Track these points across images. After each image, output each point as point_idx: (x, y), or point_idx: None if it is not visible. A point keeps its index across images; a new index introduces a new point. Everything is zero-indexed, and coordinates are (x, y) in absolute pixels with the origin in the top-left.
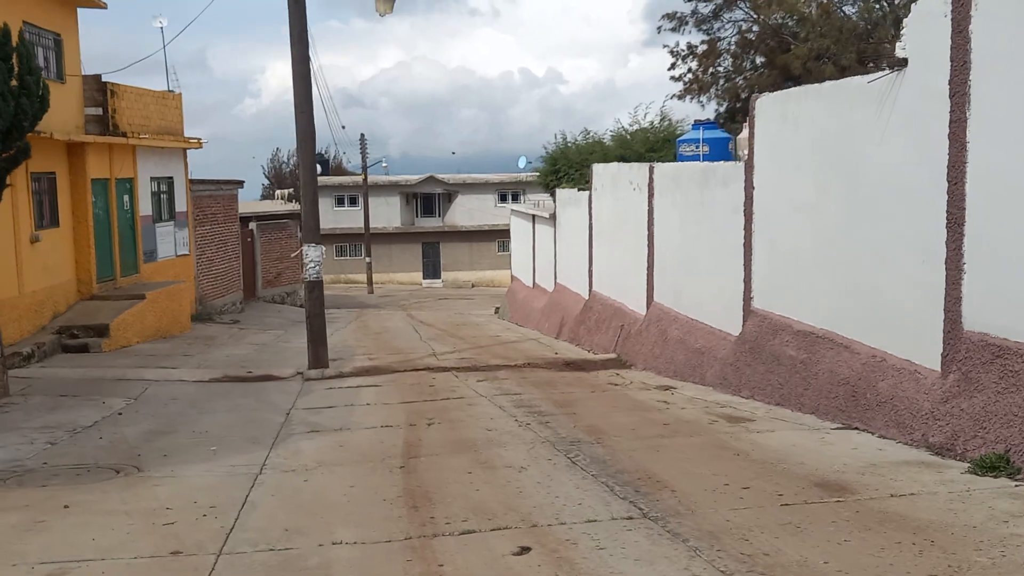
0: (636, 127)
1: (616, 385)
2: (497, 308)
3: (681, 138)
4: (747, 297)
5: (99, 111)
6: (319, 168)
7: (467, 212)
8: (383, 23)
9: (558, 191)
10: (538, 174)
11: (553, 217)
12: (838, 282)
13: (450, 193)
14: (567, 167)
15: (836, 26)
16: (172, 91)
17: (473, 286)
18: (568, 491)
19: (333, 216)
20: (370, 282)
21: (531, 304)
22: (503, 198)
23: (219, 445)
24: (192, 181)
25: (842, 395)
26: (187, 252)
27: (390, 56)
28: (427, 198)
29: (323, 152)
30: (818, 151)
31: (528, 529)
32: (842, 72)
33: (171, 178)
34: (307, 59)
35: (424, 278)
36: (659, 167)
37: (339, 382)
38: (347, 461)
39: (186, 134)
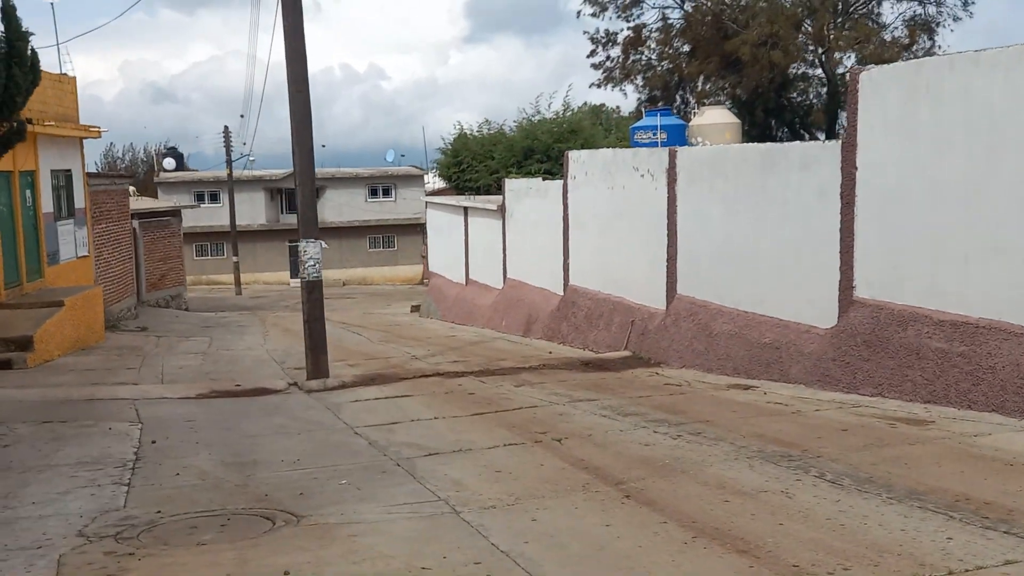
0: (539, 117)
1: (677, 385)
2: (415, 306)
3: (636, 125)
4: (846, 287)
5: None
6: (173, 162)
7: (336, 208)
8: (194, 16)
9: (508, 181)
10: (436, 166)
11: (501, 209)
12: (1012, 268)
13: (318, 188)
14: (470, 159)
15: (776, 12)
16: (66, 74)
17: (344, 284)
18: (895, 520)
19: (194, 214)
20: (238, 282)
21: (472, 301)
22: (374, 193)
23: (333, 476)
24: (88, 175)
25: None
26: (87, 253)
27: (202, 51)
28: (292, 193)
29: (175, 146)
30: (977, 128)
31: None
32: (788, 58)
33: (69, 171)
34: (302, 32)
35: (292, 277)
36: (686, 151)
37: (353, 393)
38: (538, 492)
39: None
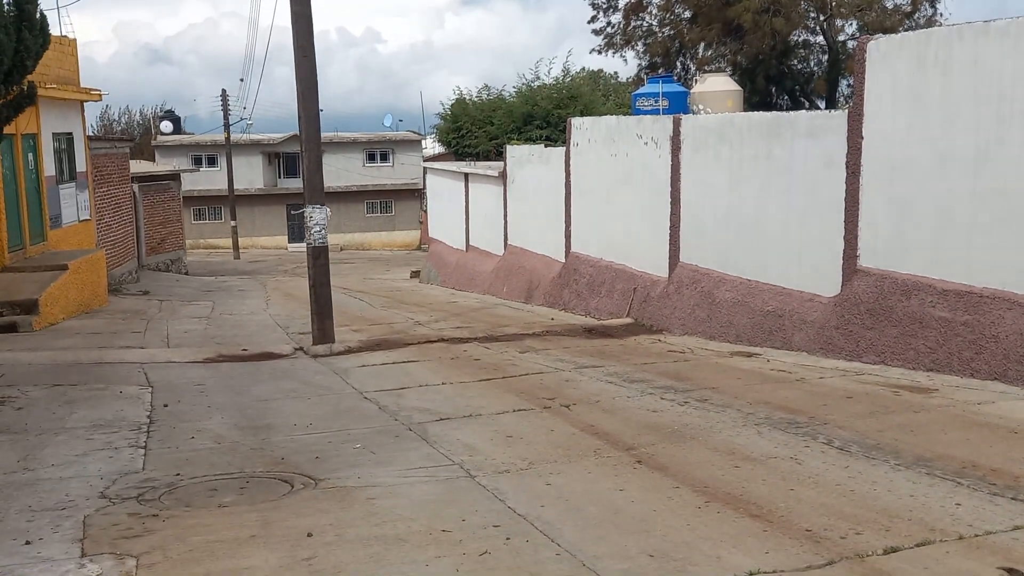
0: (539, 83)
1: (680, 352)
2: (415, 272)
3: (638, 92)
4: (850, 255)
5: None
6: (170, 126)
7: (334, 172)
8: None
9: (510, 147)
10: (435, 131)
11: (503, 176)
12: (1017, 238)
13: None
14: (469, 124)
15: None
16: (66, 36)
17: (342, 249)
18: (904, 486)
19: (191, 177)
20: (236, 247)
21: (473, 267)
22: (371, 158)
23: (347, 441)
24: (88, 138)
25: None
26: (88, 217)
27: (197, 12)
28: (291, 158)
29: (172, 109)
30: (986, 97)
31: (957, 541)
32: (790, 25)
33: (71, 134)
34: None
35: (290, 242)
36: (690, 119)
37: (359, 358)
38: (550, 457)
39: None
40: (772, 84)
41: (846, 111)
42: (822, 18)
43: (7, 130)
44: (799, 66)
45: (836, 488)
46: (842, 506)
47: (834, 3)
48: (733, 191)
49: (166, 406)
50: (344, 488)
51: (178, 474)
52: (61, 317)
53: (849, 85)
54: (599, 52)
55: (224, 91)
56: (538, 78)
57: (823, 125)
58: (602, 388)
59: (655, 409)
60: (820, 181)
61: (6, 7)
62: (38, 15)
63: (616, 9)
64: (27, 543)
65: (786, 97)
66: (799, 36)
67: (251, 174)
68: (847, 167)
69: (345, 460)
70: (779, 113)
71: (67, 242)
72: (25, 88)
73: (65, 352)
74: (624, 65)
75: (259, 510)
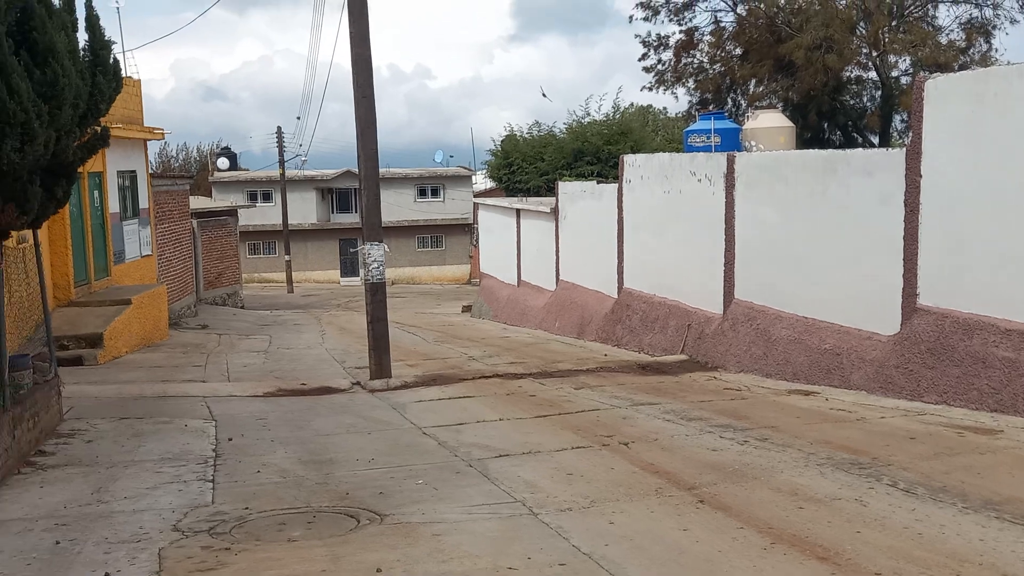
0: (589, 119)
1: (737, 390)
2: (466, 306)
3: (690, 128)
4: (909, 294)
5: None
6: (227, 162)
7: (385, 208)
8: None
9: (562, 183)
10: (486, 167)
11: (554, 211)
12: None
13: None
14: (520, 160)
15: (831, 15)
16: (131, 76)
17: (393, 283)
18: (972, 530)
19: (246, 213)
20: (289, 281)
21: (524, 303)
22: (422, 193)
23: (409, 476)
24: (151, 175)
25: None
26: (150, 252)
27: (252, 50)
28: (343, 193)
29: (228, 146)
30: None
31: None
32: (843, 61)
33: (134, 172)
34: (367, 39)
35: (342, 276)
36: (744, 156)
37: (415, 393)
38: (611, 495)
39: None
40: (824, 120)
41: (904, 149)
42: (875, 54)
43: None
44: (852, 102)
45: (903, 531)
46: (911, 549)
47: (887, 39)
48: (788, 228)
49: (230, 440)
50: (409, 524)
51: (247, 508)
52: (124, 351)
53: (903, 120)
54: (650, 89)
55: (279, 128)
56: (588, 114)
57: (880, 162)
58: (660, 426)
59: (715, 448)
60: (877, 219)
61: (82, 53)
62: (111, 60)
63: (667, 47)
64: (106, 575)
65: (838, 132)
66: (852, 72)
67: (304, 209)
68: (905, 205)
69: (408, 496)
70: (834, 151)
71: (130, 277)
72: (99, 130)
73: (130, 385)
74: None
75: (327, 545)
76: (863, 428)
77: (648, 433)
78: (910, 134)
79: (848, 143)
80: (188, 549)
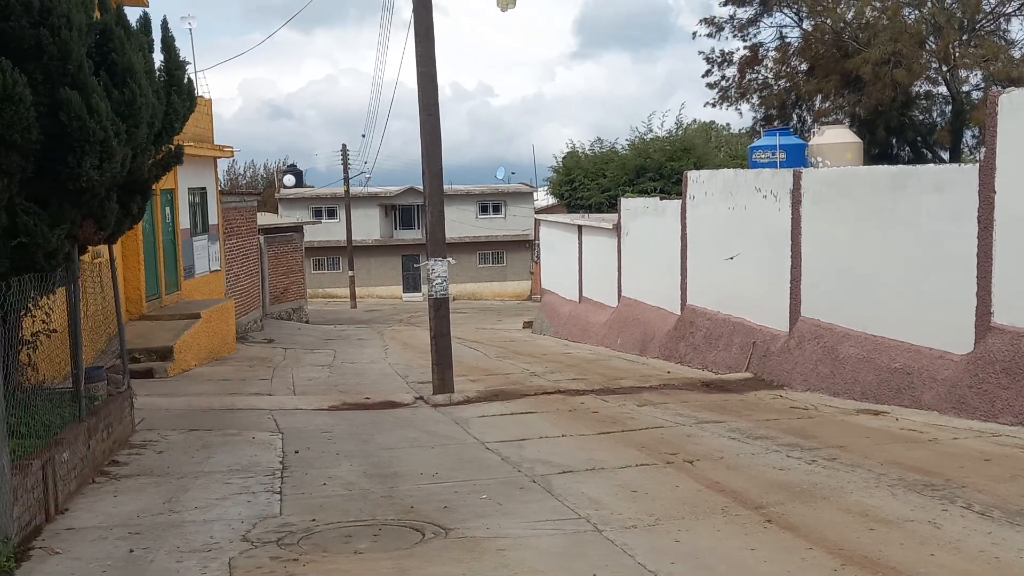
0: (651, 135)
1: (804, 409)
2: (527, 322)
3: (754, 144)
4: (983, 312)
5: None
6: (293, 180)
7: (448, 224)
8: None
9: (624, 199)
10: (548, 183)
11: (617, 227)
12: None
13: None
14: (582, 177)
15: (899, 29)
16: (202, 96)
17: (455, 299)
18: None
19: (311, 229)
20: (353, 296)
21: (586, 319)
22: (484, 209)
23: (473, 491)
24: (220, 192)
25: None
26: (219, 267)
27: (317, 69)
28: (406, 210)
29: (295, 163)
30: None
31: None
32: (911, 76)
33: (204, 189)
34: (433, 57)
35: (404, 292)
36: (811, 172)
37: (478, 408)
38: (676, 513)
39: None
40: (892, 135)
41: (976, 164)
42: (945, 69)
43: None
44: (921, 117)
45: (979, 555)
46: (986, 573)
47: (957, 53)
48: (856, 244)
49: (296, 452)
50: (473, 538)
51: (314, 519)
52: (193, 364)
53: (974, 136)
54: (713, 105)
55: (344, 146)
56: (651, 130)
57: (952, 178)
58: (725, 444)
59: (782, 467)
60: (948, 235)
61: (158, 73)
62: (185, 80)
63: (731, 63)
64: None
65: (907, 148)
66: (921, 87)
67: (368, 225)
68: (979, 221)
69: (472, 510)
70: (904, 166)
71: (199, 291)
72: (172, 148)
73: (199, 398)
74: (739, 117)
75: (393, 558)
76: (935, 449)
77: (713, 451)
78: (983, 149)
79: (917, 159)
80: (257, 559)
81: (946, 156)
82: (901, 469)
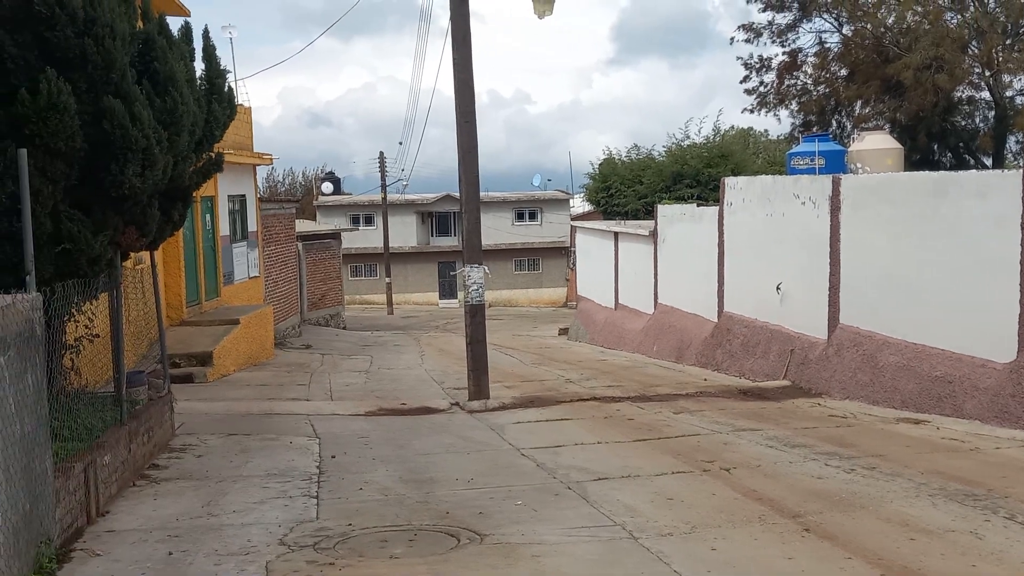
0: (688, 142)
1: (842, 417)
2: (563, 329)
3: (793, 151)
4: None
5: None
6: (331, 187)
7: (483, 231)
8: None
9: (661, 206)
10: (584, 190)
11: (653, 234)
12: None
13: None
14: (618, 183)
15: (941, 34)
16: (242, 104)
17: (490, 306)
18: None
19: (348, 236)
20: (390, 303)
21: (621, 326)
22: (520, 216)
23: (508, 497)
24: (259, 199)
25: None
26: (258, 274)
27: (356, 77)
28: (443, 217)
29: (332, 171)
30: None
31: None
32: (953, 81)
33: (244, 196)
34: (470, 64)
35: (440, 298)
36: (850, 178)
37: (513, 414)
38: (713, 521)
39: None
40: (934, 141)
41: (1020, 171)
42: (988, 73)
43: None
44: (963, 123)
45: (1023, 566)
46: None
47: (1001, 58)
48: (896, 251)
49: (333, 457)
50: (509, 544)
51: (350, 524)
52: (232, 369)
53: (1018, 142)
54: (751, 111)
55: (381, 154)
56: (688, 137)
57: (995, 184)
58: (762, 452)
59: (820, 476)
60: (991, 242)
61: (198, 82)
62: (226, 88)
63: (769, 69)
64: None
65: (949, 154)
66: (963, 92)
67: (405, 232)
68: (1022, 228)
69: (507, 516)
70: (946, 172)
71: (238, 297)
72: (213, 156)
73: (237, 403)
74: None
75: (429, 563)
76: (977, 459)
77: (750, 459)
78: None
79: (959, 165)
80: (294, 563)
81: (989, 162)
82: (942, 479)
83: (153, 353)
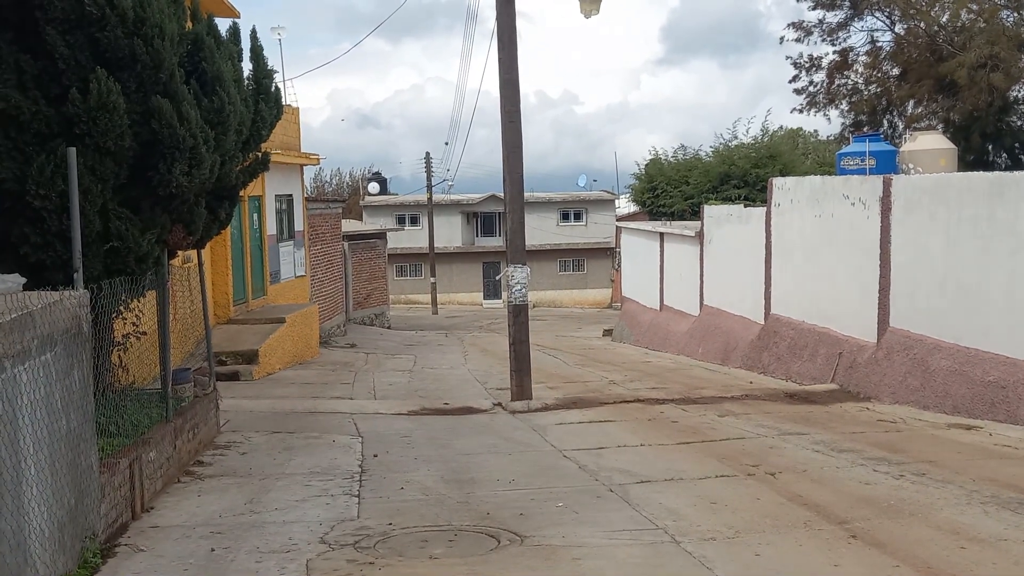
0: (736, 142)
1: (891, 422)
2: (607, 330)
3: (843, 151)
4: None
5: None
6: (377, 187)
7: (529, 231)
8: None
9: (707, 207)
10: (630, 191)
11: (699, 235)
12: None
13: None
14: (664, 184)
15: (996, 32)
16: (290, 104)
17: (535, 306)
18: None
19: (394, 236)
20: (434, 303)
21: (666, 327)
22: (565, 217)
23: (549, 499)
24: (306, 199)
25: None
26: (304, 273)
27: (404, 79)
28: (488, 217)
29: (379, 171)
30: None
31: None
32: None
33: (291, 196)
34: (516, 63)
35: (485, 298)
36: (902, 179)
37: (556, 415)
38: (757, 526)
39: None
40: (989, 142)
41: None
42: None
43: None
44: (1019, 123)
45: None
46: None
47: None
48: (949, 254)
49: (375, 456)
50: (549, 546)
51: (390, 523)
52: (278, 367)
53: None
54: (800, 111)
55: (428, 154)
56: (735, 137)
57: None
58: (809, 457)
59: (868, 482)
60: None
61: (246, 82)
62: (273, 89)
63: (819, 68)
64: None
65: (1004, 155)
66: (1019, 91)
67: (450, 233)
68: None
69: (548, 518)
70: (1002, 173)
71: (284, 296)
72: (260, 155)
73: (282, 401)
74: (827, 124)
75: (468, 563)
76: None
77: (796, 464)
78: None
79: (1015, 166)
80: (334, 562)
81: None
82: (995, 486)
83: (200, 351)
